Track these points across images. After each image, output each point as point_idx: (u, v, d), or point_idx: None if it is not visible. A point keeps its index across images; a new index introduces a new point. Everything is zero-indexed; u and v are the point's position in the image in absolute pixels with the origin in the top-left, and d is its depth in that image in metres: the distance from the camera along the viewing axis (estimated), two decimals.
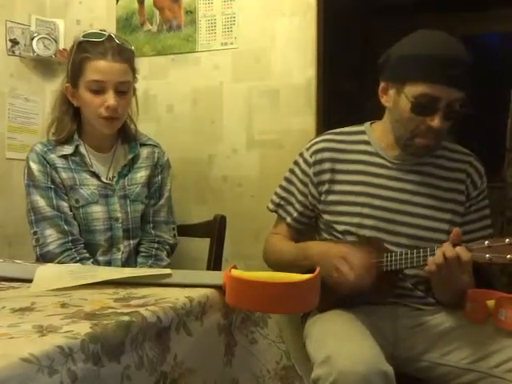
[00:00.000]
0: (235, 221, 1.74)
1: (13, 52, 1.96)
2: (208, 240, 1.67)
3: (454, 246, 1.11)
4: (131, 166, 1.56)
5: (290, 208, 1.43)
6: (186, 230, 1.73)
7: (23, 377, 0.53)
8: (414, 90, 1.21)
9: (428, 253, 1.16)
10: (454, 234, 1.12)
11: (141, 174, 1.56)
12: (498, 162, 2.07)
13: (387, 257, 1.23)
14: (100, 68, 1.40)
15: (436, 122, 1.20)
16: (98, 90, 1.41)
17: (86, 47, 1.42)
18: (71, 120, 1.50)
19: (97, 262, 1.48)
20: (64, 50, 1.96)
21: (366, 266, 1.15)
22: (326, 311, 1.29)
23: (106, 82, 1.41)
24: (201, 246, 1.72)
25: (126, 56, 1.44)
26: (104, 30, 1.47)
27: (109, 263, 1.50)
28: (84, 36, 1.44)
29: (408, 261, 1.19)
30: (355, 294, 1.21)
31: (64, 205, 1.46)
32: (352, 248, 1.20)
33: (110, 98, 1.41)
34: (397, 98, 1.27)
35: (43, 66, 2.05)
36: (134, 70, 1.49)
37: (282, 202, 1.45)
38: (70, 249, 1.43)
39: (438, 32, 1.24)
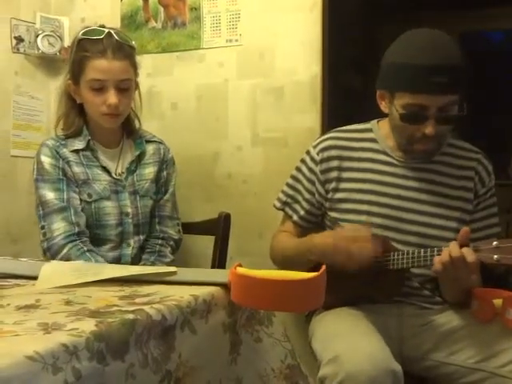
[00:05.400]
0: (239, 218, 1.73)
1: (17, 49, 1.96)
2: (212, 238, 1.66)
3: (462, 245, 1.09)
4: (138, 162, 1.56)
5: (296, 206, 1.43)
6: (190, 228, 1.72)
7: (28, 375, 0.53)
8: (401, 101, 1.21)
9: (435, 252, 1.15)
10: (462, 234, 1.11)
11: (149, 170, 1.57)
12: (505, 159, 2.05)
13: (394, 255, 1.22)
14: (100, 67, 1.40)
15: (429, 129, 1.19)
16: (99, 88, 1.41)
17: (86, 45, 1.42)
18: (78, 115, 1.50)
19: (106, 257, 1.47)
20: (69, 47, 1.96)
21: (368, 235, 1.17)
22: (331, 308, 1.29)
23: (106, 81, 1.40)
24: (205, 244, 1.71)
25: (126, 53, 1.44)
26: (103, 26, 1.46)
27: (118, 258, 1.50)
28: (83, 34, 1.43)
29: (415, 260, 1.18)
30: (364, 290, 1.22)
31: (74, 197, 1.46)
32: (347, 230, 1.23)
33: (111, 96, 1.41)
34: (390, 107, 1.27)
35: (48, 64, 2.04)
36: (135, 66, 1.48)
37: (289, 200, 1.44)
38: (75, 240, 1.42)
39: (426, 34, 1.21)
